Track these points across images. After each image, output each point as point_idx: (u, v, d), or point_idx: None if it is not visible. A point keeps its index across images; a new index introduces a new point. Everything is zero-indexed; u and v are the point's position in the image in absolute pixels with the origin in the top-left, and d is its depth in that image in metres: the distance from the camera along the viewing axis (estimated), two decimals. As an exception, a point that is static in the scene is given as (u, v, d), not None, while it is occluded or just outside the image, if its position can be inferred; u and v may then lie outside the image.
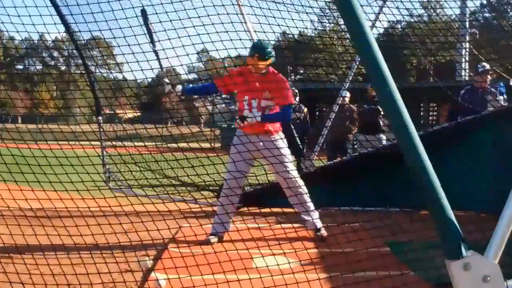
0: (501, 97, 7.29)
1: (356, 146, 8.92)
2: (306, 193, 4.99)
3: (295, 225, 4.66)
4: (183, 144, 4.59)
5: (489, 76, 7.10)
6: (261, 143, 4.76)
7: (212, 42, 3.75)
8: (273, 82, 4.99)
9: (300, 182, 5.01)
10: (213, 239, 5.00)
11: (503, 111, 6.34)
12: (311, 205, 5.12)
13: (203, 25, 3.81)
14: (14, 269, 3.37)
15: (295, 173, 5.08)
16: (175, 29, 3.78)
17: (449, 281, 2.22)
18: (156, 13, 4.45)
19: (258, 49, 4.95)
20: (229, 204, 4.94)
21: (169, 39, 3.81)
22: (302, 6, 4.98)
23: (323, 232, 5.10)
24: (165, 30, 3.82)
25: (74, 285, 3.38)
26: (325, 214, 5.23)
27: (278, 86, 5.02)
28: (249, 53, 4.98)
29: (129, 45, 3.80)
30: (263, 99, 5.05)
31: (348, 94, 9.67)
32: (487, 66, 7.02)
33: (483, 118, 6.28)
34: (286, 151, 5.05)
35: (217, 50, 3.83)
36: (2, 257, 3.78)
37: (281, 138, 5.11)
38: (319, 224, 5.14)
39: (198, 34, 3.76)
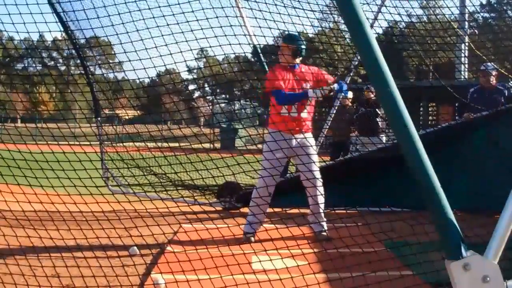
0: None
1: (358, 147, 8.90)
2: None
3: (293, 226, 4.64)
4: (181, 144, 4.57)
5: (493, 76, 6.98)
6: (296, 141, 4.93)
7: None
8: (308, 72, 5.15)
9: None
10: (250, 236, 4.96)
11: (499, 112, 6.32)
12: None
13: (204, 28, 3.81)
14: (8, 271, 3.35)
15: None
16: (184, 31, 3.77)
17: (448, 281, 2.22)
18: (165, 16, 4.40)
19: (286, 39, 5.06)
20: (263, 203, 4.88)
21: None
22: (301, 9, 4.95)
23: (326, 233, 5.09)
24: (173, 34, 3.81)
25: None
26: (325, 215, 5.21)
27: (316, 73, 5.21)
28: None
29: (128, 52, 3.78)
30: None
31: (350, 95, 9.55)
32: (491, 66, 6.94)
33: (479, 119, 6.27)
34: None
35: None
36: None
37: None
38: (325, 225, 5.13)
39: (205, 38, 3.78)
